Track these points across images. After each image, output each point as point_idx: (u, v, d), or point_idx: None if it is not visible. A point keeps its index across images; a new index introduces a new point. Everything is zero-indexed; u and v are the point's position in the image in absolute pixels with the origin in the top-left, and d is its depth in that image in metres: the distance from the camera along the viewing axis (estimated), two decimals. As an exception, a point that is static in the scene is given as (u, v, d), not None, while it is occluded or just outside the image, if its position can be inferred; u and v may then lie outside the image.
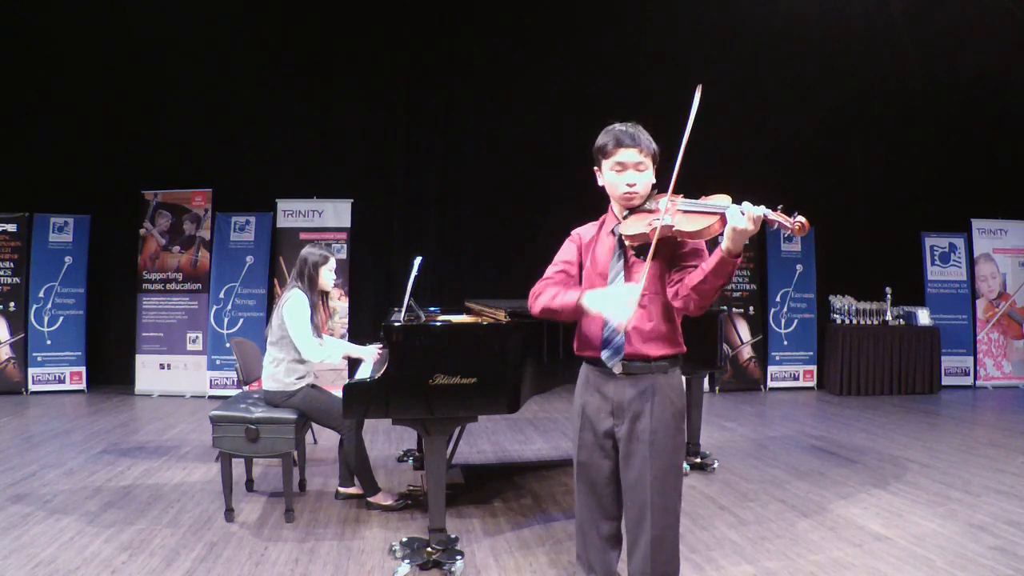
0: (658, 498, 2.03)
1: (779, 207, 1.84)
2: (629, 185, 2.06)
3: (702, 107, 1.86)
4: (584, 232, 2.25)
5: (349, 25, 7.43)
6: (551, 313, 2.14)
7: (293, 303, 3.60)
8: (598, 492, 2.15)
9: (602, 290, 2.05)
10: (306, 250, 3.78)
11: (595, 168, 2.16)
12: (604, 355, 2.09)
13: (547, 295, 2.15)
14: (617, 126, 2.09)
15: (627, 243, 2.07)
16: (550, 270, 2.23)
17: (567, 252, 2.24)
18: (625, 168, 2.06)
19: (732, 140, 7.80)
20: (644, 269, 1.93)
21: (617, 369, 2.08)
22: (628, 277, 2.08)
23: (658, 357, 2.07)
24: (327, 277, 3.78)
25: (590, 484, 2.16)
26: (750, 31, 7.67)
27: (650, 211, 2.06)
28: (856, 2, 7.78)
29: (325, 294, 3.84)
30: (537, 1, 7.61)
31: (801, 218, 1.79)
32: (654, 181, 2.12)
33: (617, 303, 1.93)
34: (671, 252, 2.07)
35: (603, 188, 2.17)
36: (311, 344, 3.59)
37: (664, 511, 2.04)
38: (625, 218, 2.10)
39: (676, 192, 2.01)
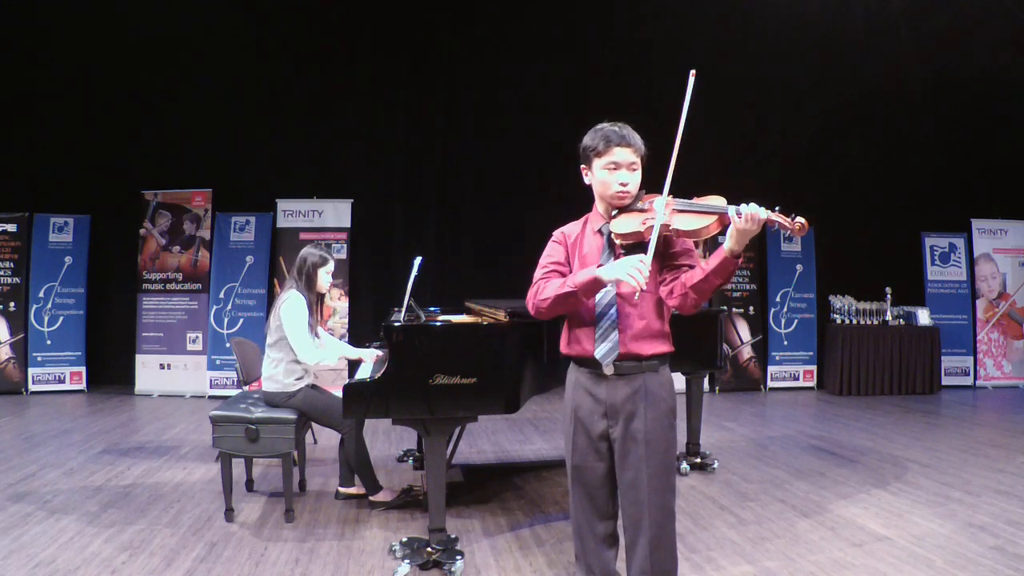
0: (655, 497, 2.04)
1: (776, 208, 1.86)
2: (622, 184, 2.07)
3: (697, 96, 1.86)
4: (568, 231, 2.23)
5: (349, 25, 7.43)
6: (561, 300, 2.04)
7: (290, 304, 3.60)
8: (593, 494, 2.15)
9: (614, 262, 1.99)
10: (306, 250, 3.79)
11: (582, 167, 2.16)
12: (598, 333, 2.06)
13: (554, 284, 2.08)
14: (607, 126, 2.09)
15: (618, 241, 2.07)
16: (540, 272, 2.17)
17: (555, 253, 2.20)
18: (618, 167, 2.07)
19: (732, 140, 7.80)
20: (649, 258, 1.90)
21: (608, 370, 2.08)
22: None
23: (649, 356, 2.07)
24: (324, 279, 3.78)
25: (585, 486, 2.16)
26: (750, 31, 7.67)
27: (642, 210, 2.07)
28: (856, 2, 7.78)
29: (320, 295, 3.84)
30: (536, 1, 7.62)
31: (800, 219, 1.81)
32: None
33: (630, 268, 1.88)
34: (662, 251, 2.08)
35: (589, 187, 2.17)
36: (308, 345, 3.60)
37: (661, 509, 2.05)
38: (614, 217, 2.10)
39: (669, 192, 2.01)
